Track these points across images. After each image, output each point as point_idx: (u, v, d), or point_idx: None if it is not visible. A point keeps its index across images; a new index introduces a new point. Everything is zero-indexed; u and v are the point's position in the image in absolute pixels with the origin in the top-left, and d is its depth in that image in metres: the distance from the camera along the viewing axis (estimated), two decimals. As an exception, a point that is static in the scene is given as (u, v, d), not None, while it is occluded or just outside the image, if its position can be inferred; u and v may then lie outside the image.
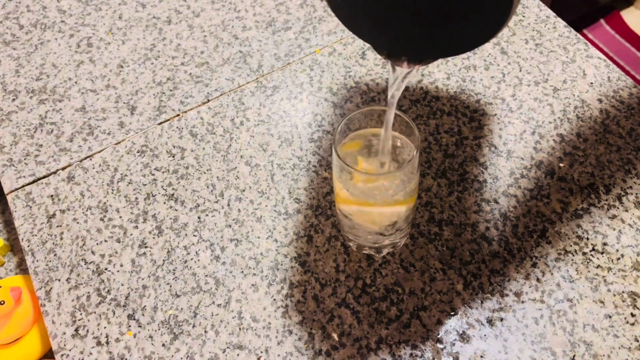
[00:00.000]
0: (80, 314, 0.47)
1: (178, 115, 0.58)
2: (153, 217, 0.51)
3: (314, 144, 0.54)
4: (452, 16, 0.25)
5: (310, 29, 0.64)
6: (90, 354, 0.45)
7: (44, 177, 0.55)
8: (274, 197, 0.51)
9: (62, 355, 0.45)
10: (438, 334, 0.43)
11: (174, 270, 0.48)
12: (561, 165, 0.51)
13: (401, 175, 0.37)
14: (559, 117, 0.54)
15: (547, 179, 0.51)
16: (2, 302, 0.57)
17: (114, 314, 0.46)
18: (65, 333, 0.46)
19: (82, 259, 0.49)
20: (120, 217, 0.51)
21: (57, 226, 0.51)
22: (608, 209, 0.48)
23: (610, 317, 0.43)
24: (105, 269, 0.49)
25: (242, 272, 0.47)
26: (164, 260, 0.49)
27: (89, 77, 0.62)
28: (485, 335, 0.43)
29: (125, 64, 0.62)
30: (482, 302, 0.44)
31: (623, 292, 0.44)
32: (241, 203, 0.51)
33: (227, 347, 0.44)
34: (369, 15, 0.27)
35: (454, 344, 0.43)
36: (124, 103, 0.59)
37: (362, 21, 0.29)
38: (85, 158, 0.56)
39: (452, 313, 0.44)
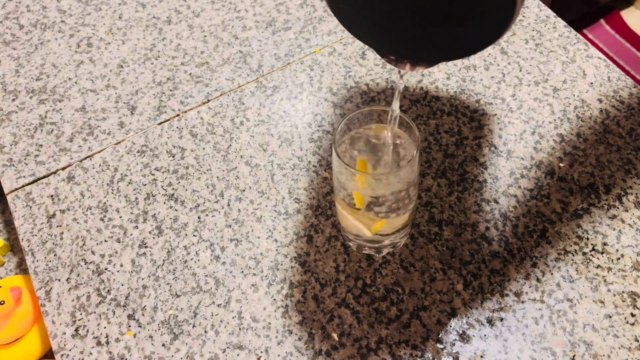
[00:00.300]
0: (80, 314, 0.47)
1: (178, 115, 0.58)
2: (153, 217, 0.51)
3: (314, 144, 0.54)
4: (454, 20, 0.25)
5: (310, 29, 0.64)
6: (90, 354, 0.45)
7: (44, 177, 0.55)
8: (274, 197, 0.51)
9: (62, 355, 0.45)
10: (438, 334, 0.43)
11: (174, 270, 0.48)
12: (561, 165, 0.51)
13: (401, 175, 0.37)
14: (559, 117, 0.54)
15: (547, 179, 0.51)
16: (2, 302, 0.57)
17: (114, 314, 0.46)
18: (65, 333, 0.46)
19: (82, 259, 0.49)
20: (120, 217, 0.51)
21: (57, 226, 0.51)
22: (608, 209, 0.48)
23: (610, 317, 0.43)
24: (105, 269, 0.49)
25: (242, 272, 0.47)
26: (164, 260, 0.49)
27: (89, 77, 0.62)
28: (485, 335, 0.43)
29: (125, 64, 0.62)
30: (482, 302, 0.44)
31: (623, 292, 0.44)
32: (241, 203, 0.51)
33: (227, 347, 0.44)
34: (371, 18, 0.27)
35: (454, 344, 0.43)
36: (124, 103, 0.59)
37: (363, 24, 0.28)
38: (85, 158, 0.56)
39: (452, 313, 0.44)
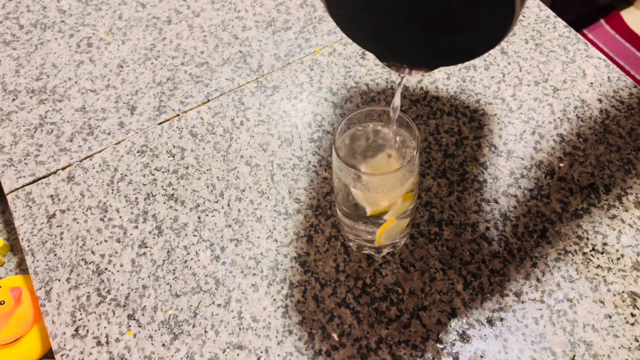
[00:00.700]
0: (80, 314, 0.47)
1: (178, 115, 0.58)
2: (153, 217, 0.51)
3: (314, 144, 0.54)
4: (454, 27, 0.25)
5: (310, 29, 0.64)
6: (90, 354, 0.45)
7: (44, 177, 0.55)
8: (274, 197, 0.51)
9: (62, 355, 0.45)
10: (438, 334, 0.43)
11: (174, 270, 0.48)
12: (561, 165, 0.51)
13: (401, 175, 0.37)
14: (559, 117, 0.54)
15: (547, 179, 0.51)
16: (2, 302, 0.57)
17: (114, 314, 0.46)
18: (65, 333, 0.46)
19: (82, 259, 0.49)
20: (120, 217, 0.51)
21: (57, 226, 0.51)
22: (608, 209, 0.48)
23: (610, 317, 0.43)
24: (105, 269, 0.49)
25: (242, 272, 0.47)
26: (164, 260, 0.49)
27: (89, 77, 0.62)
28: (485, 335, 0.43)
29: (125, 64, 0.62)
30: (482, 302, 0.44)
31: (623, 292, 0.44)
32: (241, 203, 0.51)
33: (227, 347, 0.44)
34: (371, 24, 0.27)
35: (454, 344, 0.43)
36: (124, 103, 0.59)
37: (363, 30, 0.28)
38: (85, 158, 0.56)
39: (452, 313, 0.44)
